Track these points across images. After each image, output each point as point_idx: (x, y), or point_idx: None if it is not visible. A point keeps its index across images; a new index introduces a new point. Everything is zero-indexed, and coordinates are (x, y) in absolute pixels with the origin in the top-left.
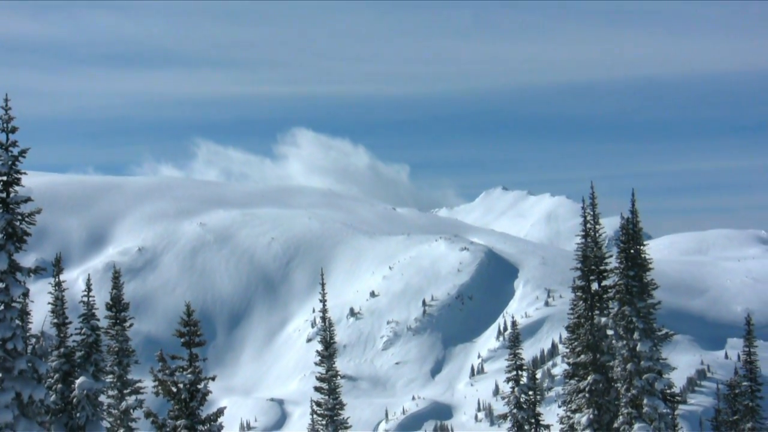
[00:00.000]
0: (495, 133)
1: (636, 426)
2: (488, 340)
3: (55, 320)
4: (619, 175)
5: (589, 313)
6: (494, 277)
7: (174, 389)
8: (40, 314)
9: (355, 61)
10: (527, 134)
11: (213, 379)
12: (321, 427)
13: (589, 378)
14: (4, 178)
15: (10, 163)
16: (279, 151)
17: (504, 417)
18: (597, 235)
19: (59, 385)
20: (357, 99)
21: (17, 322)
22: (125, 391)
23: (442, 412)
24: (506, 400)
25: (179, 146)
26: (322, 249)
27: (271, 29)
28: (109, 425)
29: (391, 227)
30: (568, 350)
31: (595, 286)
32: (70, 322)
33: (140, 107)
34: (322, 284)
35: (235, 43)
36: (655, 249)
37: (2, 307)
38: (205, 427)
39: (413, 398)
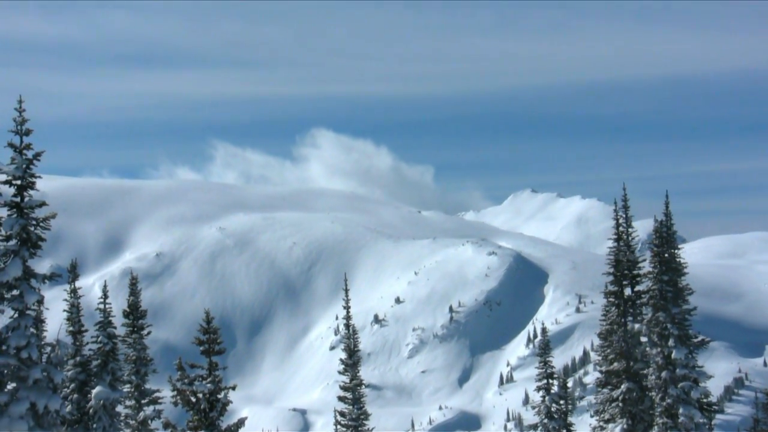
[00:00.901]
0: (523, 133)
1: None
2: (517, 348)
3: (71, 328)
4: (652, 176)
5: (622, 320)
6: (523, 283)
7: (193, 399)
8: (55, 322)
9: (377, 59)
10: (557, 134)
11: (233, 388)
12: None
13: (622, 387)
14: (19, 181)
15: (24, 166)
16: (299, 153)
17: (534, 427)
18: (629, 238)
19: (75, 395)
20: (379, 98)
21: (32, 330)
22: (143, 401)
23: (470, 422)
24: (536, 409)
25: (196, 148)
26: (345, 254)
27: (290, 28)
28: None
29: (416, 231)
30: (600, 358)
31: (628, 291)
32: (86, 330)
33: (156, 109)
34: (346, 290)
35: (252, 43)
36: (689, 253)
37: (17, 315)
38: None
39: (440, 408)
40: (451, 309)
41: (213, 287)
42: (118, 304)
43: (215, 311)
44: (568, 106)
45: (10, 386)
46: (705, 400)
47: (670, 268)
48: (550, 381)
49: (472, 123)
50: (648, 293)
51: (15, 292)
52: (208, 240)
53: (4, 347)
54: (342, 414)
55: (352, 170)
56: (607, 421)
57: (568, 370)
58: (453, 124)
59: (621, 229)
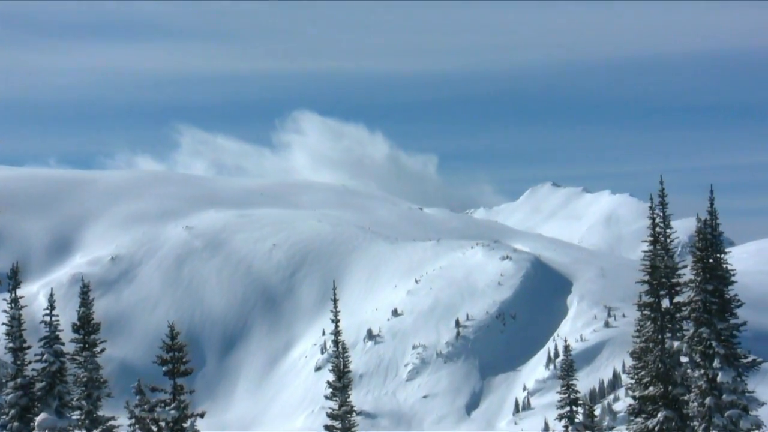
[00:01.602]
0: (543, 117)
1: None
2: (535, 369)
3: (11, 344)
4: (694, 168)
5: (659, 336)
6: (543, 292)
7: (155, 428)
8: None
9: (371, 29)
10: (582, 119)
11: (202, 415)
12: None
13: (659, 415)
14: None
15: None
16: (279, 140)
17: None
18: (668, 240)
19: (15, 423)
20: (373, 75)
21: None
22: (95, 431)
23: None
24: None
25: (159, 134)
26: (334, 258)
27: None
28: None
29: (417, 231)
30: (633, 381)
31: (665, 303)
32: (29, 347)
33: (111, 87)
34: (335, 300)
35: (224, 10)
36: (738, 258)
37: None
38: None
39: None
40: (457, 323)
41: (179, 296)
42: (66, 316)
43: (181, 325)
44: (596, 85)
45: None
46: None
47: (715, 275)
48: (574, 408)
49: (483, 105)
50: (689, 305)
51: None
52: (174, 241)
53: None
54: None
55: (342, 160)
56: None
57: (595, 396)
58: (460, 107)
59: (658, 229)
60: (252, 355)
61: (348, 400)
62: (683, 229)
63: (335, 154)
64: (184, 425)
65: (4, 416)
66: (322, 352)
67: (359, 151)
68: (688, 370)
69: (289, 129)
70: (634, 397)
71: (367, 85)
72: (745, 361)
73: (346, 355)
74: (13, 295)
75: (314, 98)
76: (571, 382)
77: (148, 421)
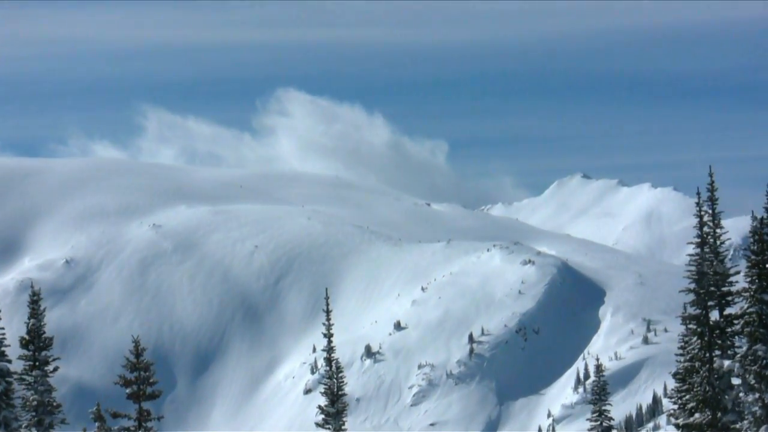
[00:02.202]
0: (571, 97)
1: None
2: (562, 393)
3: None
4: (749, 157)
5: (707, 354)
6: (571, 303)
7: None
8: None
9: None
10: (617, 99)
11: None
12: None
13: None
14: None
15: None
16: (262, 123)
17: None
18: (718, 242)
19: None
20: (371, 47)
21: None
22: None
23: None
24: None
25: (120, 116)
26: (327, 262)
27: None
28: None
29: (424, 231)
30: (676, 407)
31: (714, 315)
32: None
33: (63, 61)
34: (327, 311)
35: None
36: None
37: None
38: None
39: None
40: (471, 339)
41: (144, 306)
42: (13, 329)
43: (147, 340)
44: (635, 60)
45: None
46: None
47: None
48: None
49: (502, 83)
50: (742, 318)
51: None
52: (138, 242)
53: None
54: None
55: (336, 147)
56: None
57: (632, 424)
58: (475, 85)
59: (706, 229)
60: (230, 375)
61: (343, 428)
62: (736, 229)
63: (327, 141)
64: None
65: None
66: (313, 372)
67: (355, 136)
68: (741, 394)
69: (273, 110)
70: (677, 426)
71: (365, 59)
72: None
73: (340, 375)
74: None
75: (302, 74)
76: (603, 408)
77: None
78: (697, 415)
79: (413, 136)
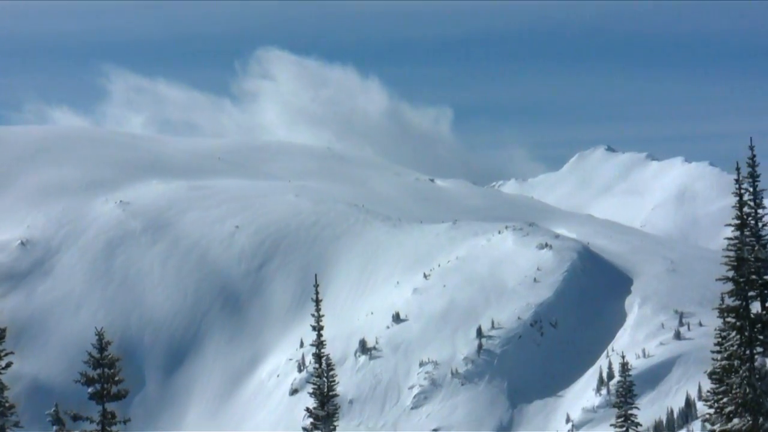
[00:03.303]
0: (593, 60)
1: None
2: (583, 394)
3: None
4: None
5: (747, 352)
6: (593, 292)
7: None
8: None
9: None
10: (647, 61)
11: None
12: None
13: None
14: None
15: None
16: (243, 88)
17: None
18: (759, 225)
19: None
20: (366, 4)
21: None
22: None
23: None
24: None
25: (81, 79)
26: (316, 244)
27: None
28: None
29: (427, 210)
30: (712, 411)
31: (756, 307)
32: None
33: (16, 16)
34: (317, 301)
35: None
36: None
37: None
38: None
39: None
40: (479, 333)
41: (110, 294)
42: None
43: (113, 332)
44: (667, 17)
45: None
46: None
47: None
48: None
49: (515, 43)
50: None
51: None
52: (103, 221)
53: None
54: None
55: (326, 115)
56: None
57: (662, 430)
58: (484, 44)
59: (746, 210)
60: (207, 372)
61: None
62: None
63: (317, 108)
64: None
65: None
66: (300, 370)
67: (349, 103)
68: None
69: (255, 73)
70: None
71: (357, 14)
72: None
73: (331, 374)
74: None
75: (288, 32)
76: (630, 412)
77: None
78: (736, 420)
79: (414, 103)
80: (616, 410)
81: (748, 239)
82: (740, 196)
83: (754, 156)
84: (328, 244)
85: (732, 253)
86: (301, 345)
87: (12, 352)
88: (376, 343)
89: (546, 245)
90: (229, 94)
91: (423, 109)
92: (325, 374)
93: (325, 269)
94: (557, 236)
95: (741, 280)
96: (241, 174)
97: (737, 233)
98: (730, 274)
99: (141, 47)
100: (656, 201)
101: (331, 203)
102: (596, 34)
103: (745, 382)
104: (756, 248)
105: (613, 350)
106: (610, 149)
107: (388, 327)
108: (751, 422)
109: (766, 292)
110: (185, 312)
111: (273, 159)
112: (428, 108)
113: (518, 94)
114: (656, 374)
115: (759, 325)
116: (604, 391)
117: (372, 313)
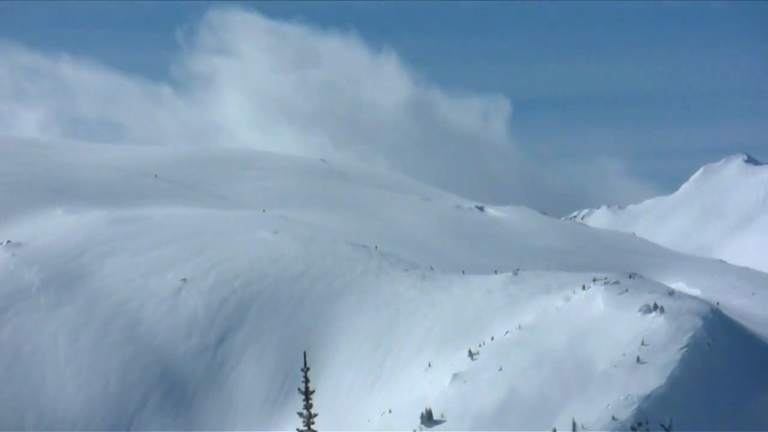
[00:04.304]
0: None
1: None
2: None
3: None
4: None
5: None
6: (727, 378)
7: None
8: None
9: None
10: None
11: None
12: None
13: None
14: None
15: None
16: (190, 69)
17: None
18: None
19: None
20: None
21: None
22: None
23: None
24: None
25: None
26: (305, 307)
27: None
28: None
29: (473, 254)
30: None
31: None
32: None
33: None
34: (306, 393)
35: None
36: None
37: None
38: None
39: None
40: None
41: None
42: None
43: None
44: None
45: None
46: None
47: None
48: None
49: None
50: None
51: None
52: None
53: None
54: None
55: (319, 109)
56: None
57: None
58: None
59: None
60: None
61: None
62: None
63: (303, 98)
64: None
65: None
66: None
67: (352, 90)
68: None
69: (208, 46)
70: None
71: None
72: None
73: None
74: None
75: None
76: None
77: None
78: None
79: (451, 89)
80: None
81: None
82: None
83: None
84: (324, 305)
85: None
86: None
87: None
88: None
89: (655, 307)
90: (168, 78)
91: (464, 99)
92: None
93: (319, 344)
94: (672, 293)
95: None
96: (190, 200)
97: None
98: None
99: (37, 11)
100: None
101: (328, 243)
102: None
103: None
104: None
105: None
106: (751, 161)
107: None
108: None
109: None
110: (107, 408)
111: (238, 177)
112: (472, 97)
113: (612, 79)
114: None
115: None
116: None
117: (390, 412)
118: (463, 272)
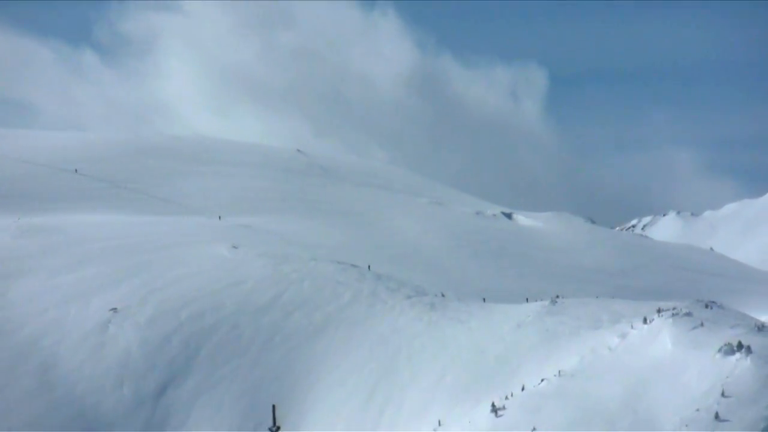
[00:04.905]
0: None
1: None
2: None
3: None
4: None
5: None
6: None
7: None
8: None
9: None
10: None
11: None
12: None
13: None
14: None
15: None
16: (121, 30)
17: None
18: None
19: None
20: None
21: None
22: None
23: None
24: None
25: None
26: (277, 345)
27: None
28: None
29: (498, 275)
30: None
31: None
32: None
33: None
34: None
35: None
36: None
37: None
38: None
39: None
40: None
41: None
42: None
43: None
44: None
45: None
46: None
47: None
48: None
49: None
50: None
51: None
52: None
53: None
54: None
55: (294, 84)
56: None
57: None
58: None
59: None
60: None
61: None
62: None
63: (273, 70)
64: None
65: None
66: None
67: (337, 59)
68: None
69: (154, 5)
70: None
71: None
72: None
73: None
74: None
75: None
76: None
77: None
78: None
79: (467, 58)
80: None
81: None
82: None
83: None
84: (300, 344)
85: None
86: None
87: None
88: None
89: (740, 347)
90: (92, 41)
91: (486, 70)
92: None
93: (294, 396)
94: (762, 328)
95: None
96: (121, 203)
97: None
98: None
99: None
100: None
101: (306, 262)
102: None
103: None
104: None
105: None
106: None
107: None
108: None
109: None
110: None
111: (186, 173)
112: (496, 68)
113: (682, 45)
114: None
115: None
116: None
117: None
118: (485, 300)
